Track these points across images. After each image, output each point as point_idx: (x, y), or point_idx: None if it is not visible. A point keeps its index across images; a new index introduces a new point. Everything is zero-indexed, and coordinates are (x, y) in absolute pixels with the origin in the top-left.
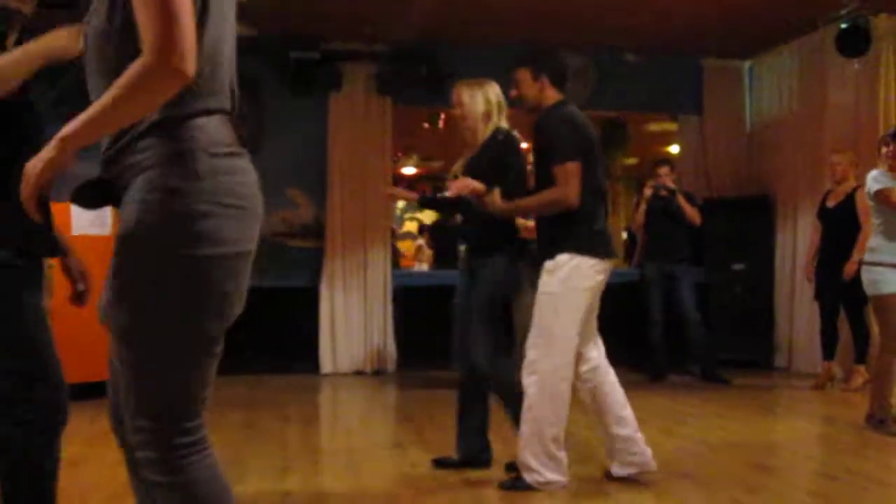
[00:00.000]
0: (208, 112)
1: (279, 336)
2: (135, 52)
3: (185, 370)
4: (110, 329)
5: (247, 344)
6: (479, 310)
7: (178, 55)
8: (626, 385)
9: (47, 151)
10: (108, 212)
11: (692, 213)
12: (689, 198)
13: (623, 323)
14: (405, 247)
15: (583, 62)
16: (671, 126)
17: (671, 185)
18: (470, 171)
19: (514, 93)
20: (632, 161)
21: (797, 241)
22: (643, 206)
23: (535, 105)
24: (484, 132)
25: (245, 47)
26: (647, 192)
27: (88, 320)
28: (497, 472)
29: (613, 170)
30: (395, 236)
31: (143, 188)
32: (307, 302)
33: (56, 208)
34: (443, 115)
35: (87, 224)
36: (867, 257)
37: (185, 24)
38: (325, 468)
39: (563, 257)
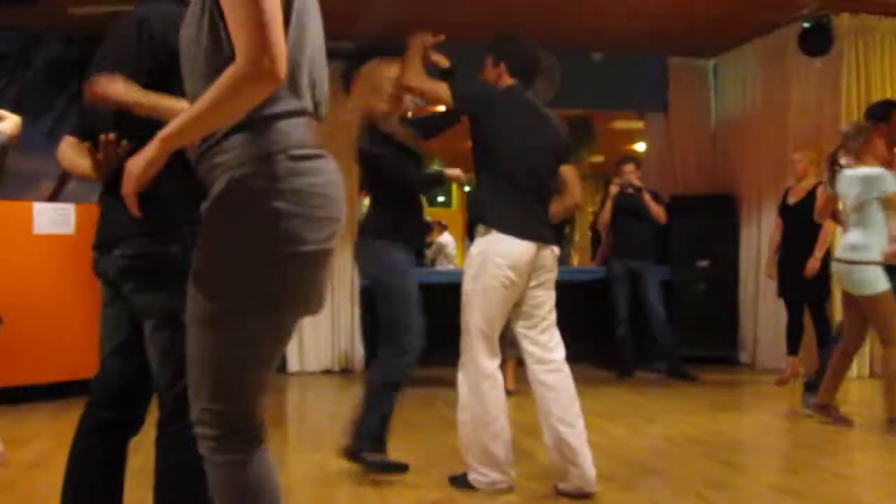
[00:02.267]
0: (291, 114)
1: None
2: (225, 58)
3: (260, 360)
4: (189, 316)
5: None
6: None
7: (270, 59)
8: (594, 382)
9: (149, 151)
10: (71, 211)
11: (658, 211)
12: (655, 195)
13: (589, 320)
14: None
15: (549, 61)
16: (638, 124)
17: (637, 182)
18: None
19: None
20: (598, 159)
21: (761, 238)
22: (609, 204)
23: None
24: None
25: None
26: (613, 189)
27: (48, 322)
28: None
29: (580, 168)
30: None
31: (227, 188)
32: None
33: (17, 206)
34: (409, 115)
35: (48, 223)
36: (852, 256)
37: (276, 29)
38: (292, 470)
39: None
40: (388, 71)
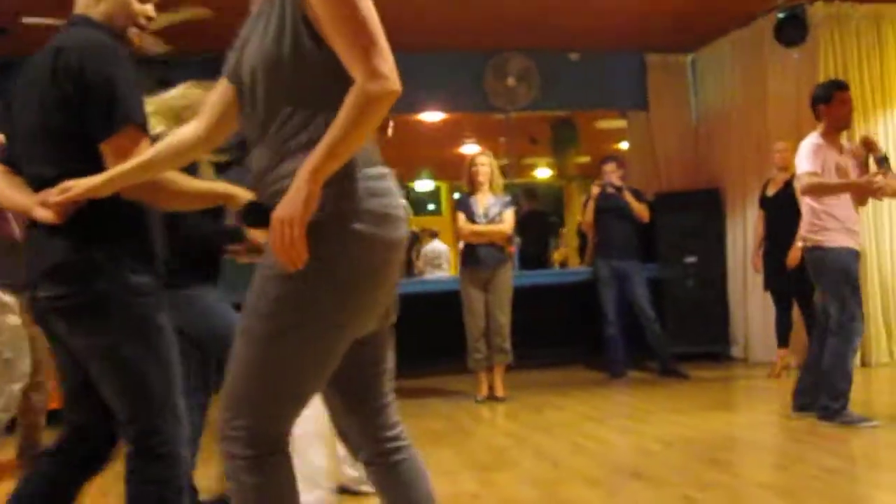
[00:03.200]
0: None
1: None
2: (314, 79)
3: (316, 381)
4: (249, 331)
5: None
6: None
7: (389, 75)
8: (586, 384)
9: (303, 188)
10: None
11: (640, 210)
12: (637, 194)
13: (579, 322)
14: None
15: (525, 64)
16: (621, 123)
17: (618, 182)
18: None
19: None
20: (584, 160)
21: (747, 232)
22: (591, 205)
23: None
24: None
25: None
26: (595, 190)
27: None
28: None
29: (566, 169)
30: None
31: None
32: None
33: None
34: (391, 123)
35: None
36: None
37: (384, 42)
38: None
39: None
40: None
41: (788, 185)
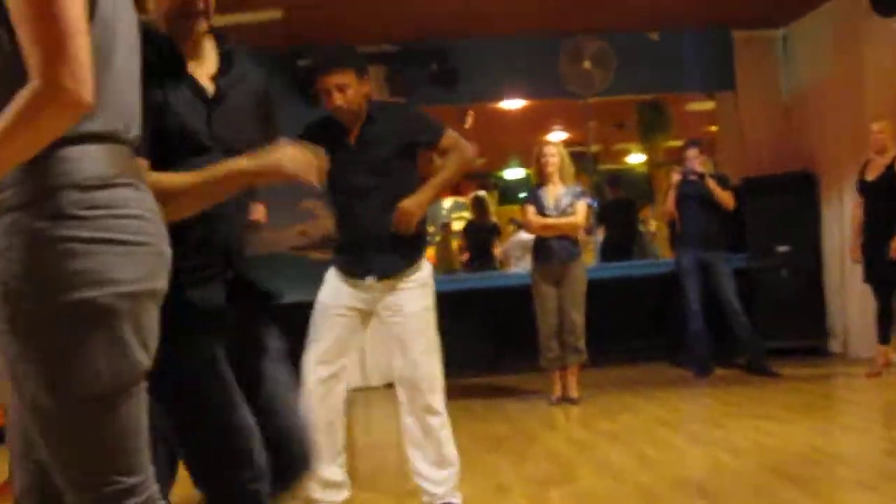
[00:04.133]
0: (85, 138)
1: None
2: (20, 76)
3: (94, 429)
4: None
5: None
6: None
7: (72, 78)
8: (667, 384)
9: None
10: None
11: (724, 197)
12: (722, 180)
13: (665, 316)
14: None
15: (601, 47)
16: (712, 105)
17: (700, 168)
18: None
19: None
20: (676, 144)
21: (844, 218)
22: (672, 193)
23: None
24: None
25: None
26: (675, 177)
27: None
28: None
29: (656, 155)
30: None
31: (7, 231)
32: None
33: None
34: (470, 113)
35: None
36: None
37: (78, 41)
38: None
39: (426, 266)
40: None
41: (890, 170)
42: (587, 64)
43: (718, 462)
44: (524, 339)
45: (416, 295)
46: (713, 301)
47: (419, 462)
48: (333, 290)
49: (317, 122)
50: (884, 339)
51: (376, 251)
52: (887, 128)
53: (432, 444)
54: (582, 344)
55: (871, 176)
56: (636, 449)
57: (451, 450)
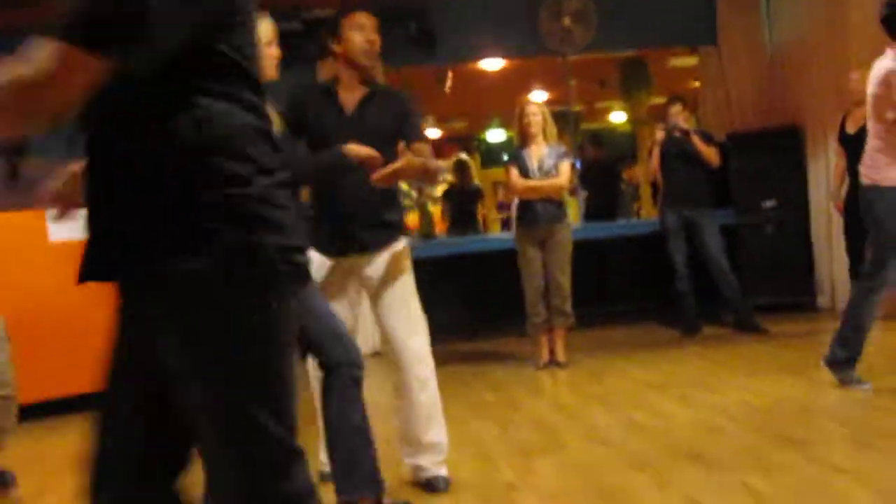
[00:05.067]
0: None
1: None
2: None
3: None
4: None
5: None
6: None
7: None
8: (655, 345)
9: None
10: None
11: (709, 154)
12: (706, 137)
13: (652, 276)
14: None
15: (581, 3)
16: (695, 60)
17: (684, 125)
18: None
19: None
20: (659, 101)
21: (830, 171)
22: (656, 151)
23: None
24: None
25: None
26: (659, 134)
27: (69, 332)
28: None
29: (638, 112)
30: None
31: None
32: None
33: (30, 216)
34: (449, 74)
35: (64, 230)
36: None
37: None
38: None
39: (404, 238)
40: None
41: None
42: (567, 21)
43: (709, 424)
44: (509, 303)
45: (397, 266)
46: (699, 259)
47: (407, 434)
48: (319, 272)
49: (308, 86)
50: None
51: (362, 225)
52: (866, 77)
53: (420, 416)
54: (568, 307)
55: (851, 128)
56: (625, 413)
57: (440, 422)
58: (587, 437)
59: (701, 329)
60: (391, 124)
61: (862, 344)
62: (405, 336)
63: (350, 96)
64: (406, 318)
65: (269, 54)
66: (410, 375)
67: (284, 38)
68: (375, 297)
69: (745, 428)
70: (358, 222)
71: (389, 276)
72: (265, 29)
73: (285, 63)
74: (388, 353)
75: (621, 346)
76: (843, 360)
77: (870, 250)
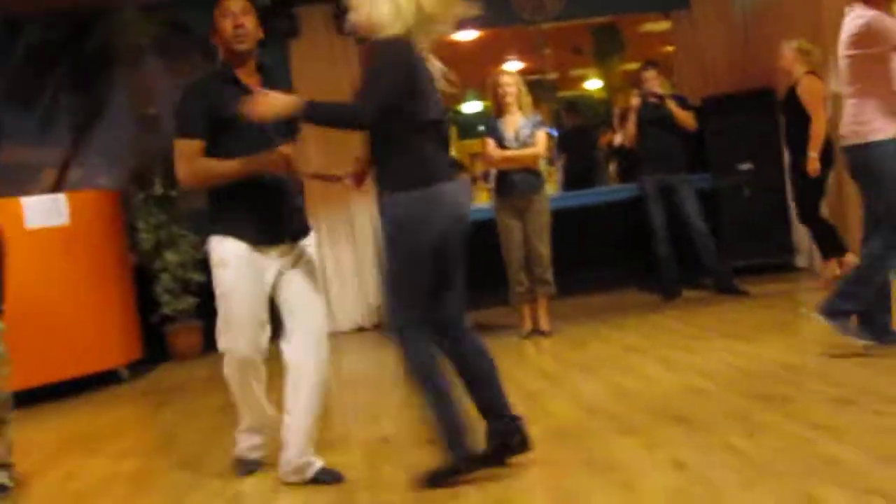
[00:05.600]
0: None
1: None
2: None
3: None
4: None
5: None
6: None
7: None
8: (636, 309)
9: None
10: (62, 201)
11: (685, 118)
12: (681, 101)
13: (631, 243)
14: None
15: None
16: (668, 25)
17: (659, 90)
18: None
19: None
20: (633, 67)
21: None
22: (633, 117)
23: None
24: None
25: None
26: (635, 101)
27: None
28: None
29: (612, 79)
30: None
31: None
32: None
33: (5, 203)
34: None
35: (40, 216)
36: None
37: None
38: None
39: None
40: None
41: (792, 91)
42: None
43: (693, 388)
44: (489, 273)
45: (311, 254)
46: (678, 224)
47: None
48: (239, 265)
49: (209, 78)
50: (825, 255)
51: (287, 213)
52: (791, 52)
53: (315, 397)
54: (549, 275)
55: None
56: (609, 379)
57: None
58: (573, 404)
59: (681, 293)
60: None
61: (870, 300)
62: (322, 319)
63: (250, 81)
64: (322, 304)
65: (243, 25)
66: (323, 356)
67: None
68: (297, 282)
69: (728, 389)
70: (287, 209)
71: (310, 262)
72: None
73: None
74: (300, 336)
75: (603, 312)
76: (845, 312)
77: (881, 207)
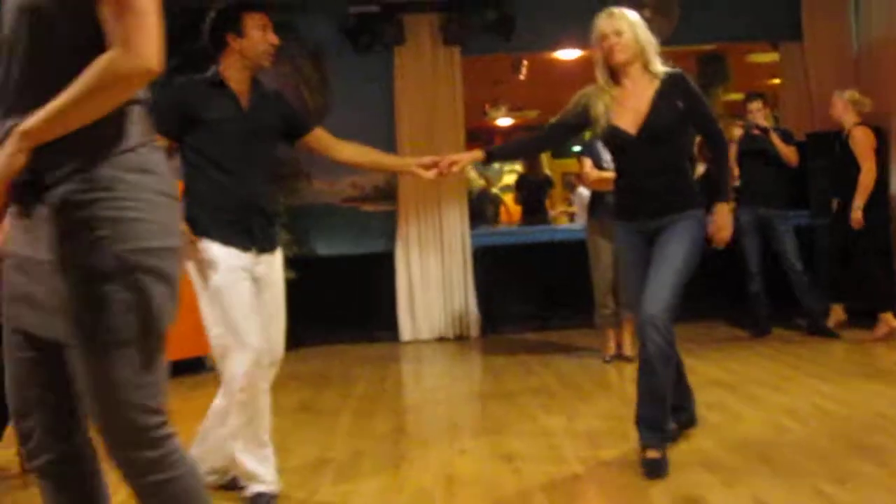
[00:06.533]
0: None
1: (358, 305)
2: (83, 41)
3: None
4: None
5: (325, 314)
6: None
7: (147, 54)
8: (723, 344)
9: (9, 147)
10: None
11: (787, 153)
12: (785, 135)
13: (724, 274)
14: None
15: None
16: (775, 56)
17: (763, 122)
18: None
19: None
20: (736, 97)
21: None
22: (733, 148)
23: None
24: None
25: (304, 6)
26: (737, 132)
27: None
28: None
29: (715, 108)
30: (492, 191)
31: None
32: (385, 267)
33: None
34: (524, 63)
35: None
36: None
37: (154, 18)
38: (366, 462)
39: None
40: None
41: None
42: (648, 12)
43: (780, 428)
44: (576, 295)
45: (280, 268)
46: (773, 259)
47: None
48: (230, 267)
49: (192, 81)
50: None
51: (261, 224)
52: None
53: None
54: None
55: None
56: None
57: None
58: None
59: (771, 330)
60: (280, 124)
61: None
62: (282, 338)
63: (242, 91)
64: (284, 322)
65: (266, 41)
66: (272, 376)
67: (362, 23)
68: (268, 297)
69: (817, 433)
70: (258, 220)
71: (279, 276)
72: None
73: (363, 48)
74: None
75: (689, 342)
76: None
77: None
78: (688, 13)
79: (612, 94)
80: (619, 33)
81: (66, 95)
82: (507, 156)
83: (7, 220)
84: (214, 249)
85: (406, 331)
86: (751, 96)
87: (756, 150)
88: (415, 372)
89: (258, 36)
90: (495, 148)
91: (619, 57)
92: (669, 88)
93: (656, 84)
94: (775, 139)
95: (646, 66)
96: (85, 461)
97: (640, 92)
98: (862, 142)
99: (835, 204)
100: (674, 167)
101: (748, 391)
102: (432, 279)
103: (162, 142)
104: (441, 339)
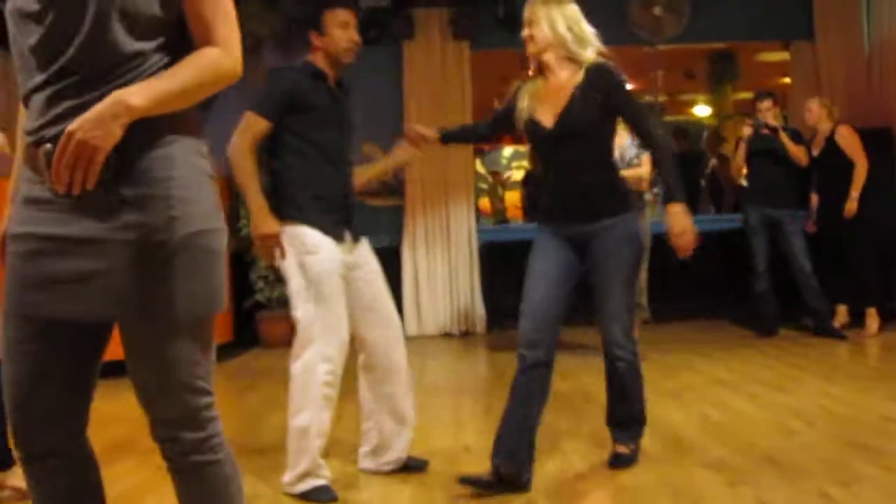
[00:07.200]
0: None
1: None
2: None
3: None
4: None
5: None
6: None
7: (240, 57)
8: (729, 343)
9: (108, 112)
10: None
11: (797, 152)
12: (795, 135)
13: (727, 274)
14: (513, 198)
15: None
16: (785, 55)
17: (773, 121)
18: None
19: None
20: (746, 96)
21: None
22: (743, 147)
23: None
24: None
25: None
26: (747, 130)
27: None
28: None
29: (724, 106)
30: (503, 186)
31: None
32: (391, 262)
33: None
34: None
35: None
36: None
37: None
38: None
39: None
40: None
41: (829, 142)
42: (658, 10)
43: (785, 429)
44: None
45: (372, 253)
46: (781, 259)
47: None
48: (330, 255)
49: (300, 71)
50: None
51: (353, 210)
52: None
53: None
54: (644, 300)
55: (815, 150)
56: (697, 410)
57: None
58: (658, 432)
59: (778, 330)
60: (356, 120)
61: None
62: (395, 318)
63: (334, 84)
64: (392, 304)
65: (347, 38)
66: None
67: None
68: (363, 283)
69: (822, 434)
70: (352, 207)
71: (374, 261)
72: (343, 13)
73: (372, 41)
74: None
75: (696, 342)
76: None
77: None
78: (698, 11)
79: (536, 86)
80: (531, 24)
81: (175, 81)
82: (456, 139)
83: (17, 204)
84: (316, 236)
85: (411, 326)
86: (761, 95)
87: (765, 150)
88: (420, 367)
89: (339, 34)
90: (448, 131)
91: (530, 48)
92: (591, 81)
93: (579, 77)
94: (785, 139)
95: (568, 58)
96: (81, 455)
97: (561, 84)
98: (851, 138)
99: (814, 200)
100: (598, 165)
101: (753, 391)
102: (438, 275)
103: (262, 124)
104: (446, 335)
